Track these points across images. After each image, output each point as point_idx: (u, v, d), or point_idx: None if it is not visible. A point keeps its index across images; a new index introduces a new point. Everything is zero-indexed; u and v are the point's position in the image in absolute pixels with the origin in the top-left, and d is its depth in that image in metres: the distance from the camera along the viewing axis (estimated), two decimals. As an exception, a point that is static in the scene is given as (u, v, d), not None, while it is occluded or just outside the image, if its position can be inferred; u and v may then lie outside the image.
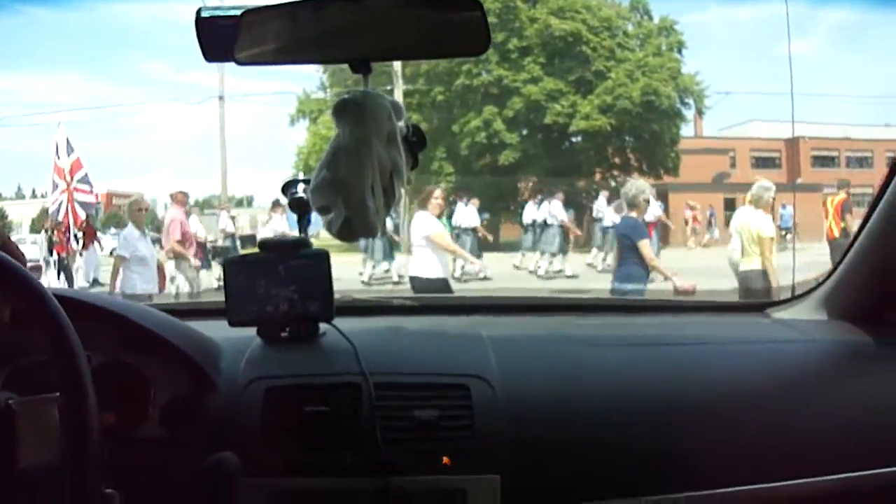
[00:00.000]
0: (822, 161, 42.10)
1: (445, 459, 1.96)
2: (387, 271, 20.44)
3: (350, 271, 18.50)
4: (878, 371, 2.33)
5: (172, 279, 12.36)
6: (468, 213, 21.01)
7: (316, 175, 2.00)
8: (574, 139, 36.88)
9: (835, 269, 2.65)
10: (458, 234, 21.06)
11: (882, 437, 2.12)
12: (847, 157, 42.53)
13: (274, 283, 2.23)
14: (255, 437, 2.01)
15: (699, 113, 39.12)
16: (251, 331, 2.29)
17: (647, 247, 8.87)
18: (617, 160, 37.81)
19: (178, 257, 11.74)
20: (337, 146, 1.96)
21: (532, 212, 23.45)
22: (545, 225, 22.32)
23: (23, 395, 1.49)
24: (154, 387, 2.05)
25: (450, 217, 23.48)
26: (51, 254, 16.64)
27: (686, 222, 31.20)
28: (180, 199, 12.65)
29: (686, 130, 38.86)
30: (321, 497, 1.98)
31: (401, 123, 2.03)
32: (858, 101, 60.74)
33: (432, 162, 32.25)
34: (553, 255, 21.78)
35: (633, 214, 9.28)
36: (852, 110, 67.87)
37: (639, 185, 9.55)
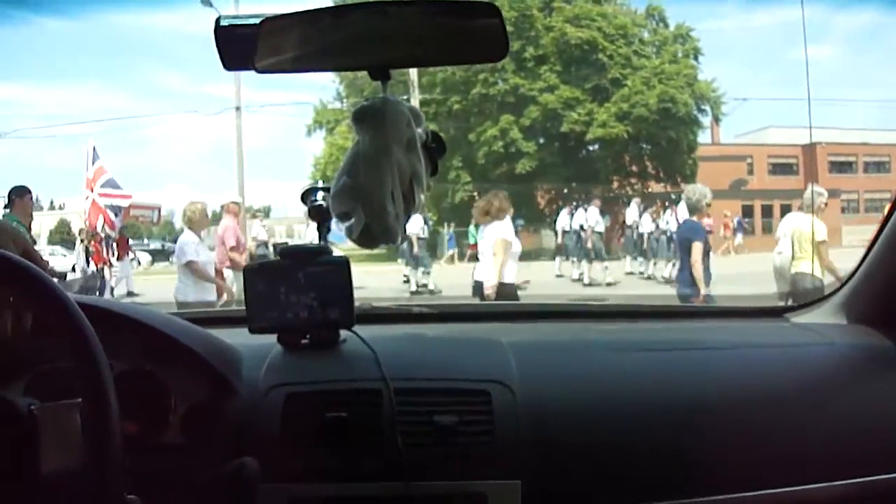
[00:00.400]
0: (840, 167, 42.00)
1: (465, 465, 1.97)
2: (405, 281, 20.56)
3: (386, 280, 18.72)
4: None
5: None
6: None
7: (336, 182, 2.01)
8: (591, 147, 36.93)
9: (853, 273, 2.65)
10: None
11: None
12: (865, 163, 42.42)
13: (294, 290, 2.24)
14: (276, 442, 2.01)
15: (716, 120, 39.10)
16: (272, 338, 2.30)
17: (697, 249, 9.02)
18: (634, 168, 37.86)
19: (233, 265, 11.66)
20: (357, 153, 1.96)
21: (565, 219, 23.52)
22: (582, 230, 22.46)
23: (45, 401, 1.49)
24: (175, 394, 2.06)
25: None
26: (88, 264, 16.70)
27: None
28: (233, 209, 12.58)
29: (703, 137, 38.88)
30: (342, 502, 1.98)
31: (420, 130, 2.03)
32: (876, 106, 60.39)
33: (449, 171, 32.31)
34: (591, 261, 21.92)
35: (695, 218, 9.59)
36: (869, 115, 67.80)
37: (700, 189, 9.77)
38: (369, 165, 1.93)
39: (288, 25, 1.88)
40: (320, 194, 2.35)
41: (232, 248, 11.59)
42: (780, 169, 42.73)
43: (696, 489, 2.01)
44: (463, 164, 34.14)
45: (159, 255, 38.00)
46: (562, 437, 2.05)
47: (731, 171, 38.97)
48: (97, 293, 13.58)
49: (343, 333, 2.30)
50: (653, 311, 3.30)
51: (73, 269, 18.40)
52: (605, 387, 2.18)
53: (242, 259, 11.69)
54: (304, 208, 2.40)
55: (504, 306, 3.54)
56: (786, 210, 35.66)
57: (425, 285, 20.41)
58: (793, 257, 9.47)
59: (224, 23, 1.95)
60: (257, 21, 1.86)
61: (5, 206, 10.31)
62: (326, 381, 2.16)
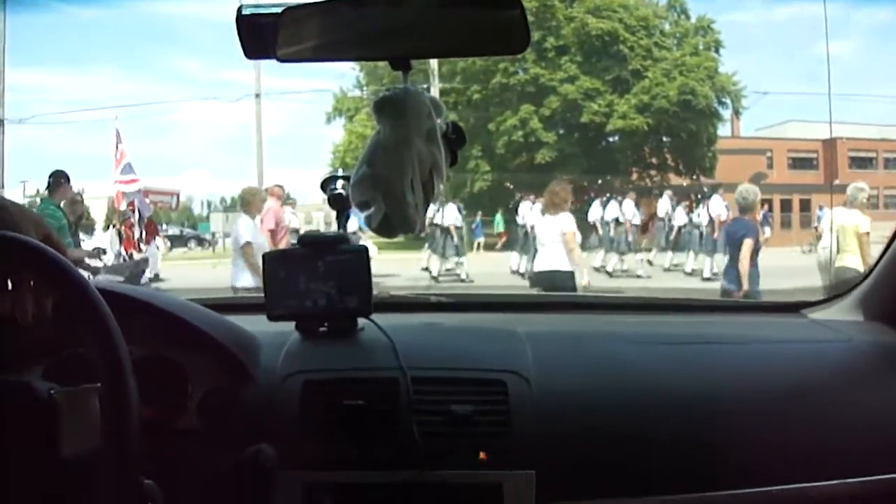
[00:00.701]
0: (860, 162, 41.68)
1: (481, 454, 1.97)
2: (447, 270, 20.67)
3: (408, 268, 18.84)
4: None
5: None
6: (535, 212, 21.13)
7: (356, 171, 2.01)
8: (611, 138, 36.94)
9: (871, 270, 2.65)
10: (524, 232, 21.37)
11: None
12: (885, 159, 42.17)
13: (313, 278, 2.24)
14: (293, 430, 2.02)
15: (736, 113, 39.07)
16: (290, 325, 2.31)
17: (748, 246, 9.32)
18: (654, 160, 37.86)
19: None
20: (377, 142, 1.96)
21: (597, 211, 23.53)
22: (617, 223, 22.52)
23: (64, 386, 1.50)
24: (193, 380, 2.07)
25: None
26: (120, 246, 16.83)
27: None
28: (276, 192, 12.66)
29: (723, 130, 38.81)
30: (357, 490, 1.99)
31: (440, 121, 2.03)
32: (896, 102, 60.00)
33: (468, 160, 32.32)
34: (623, 253, 22.01)
35: (747, 217, 9.88)
36: (890, 111, 67.33)
37: (754, 189, 10.11)
38: (389, 155, 1.94)
39: (309, 15, 1.88)
40: (340, 183, 2.36)
41: (270, 231, 11.57)
42: (799, 163, 42.58)
43: (710, 483, 2.01)
44: (482, 154, 34.19)
45: (177, 241, 38.15)
46: (577, 428, 2.05)
47: (751, 165, 38.77)
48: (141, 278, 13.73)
49: (361, 322, 2.31)
50: (670, 304, 3.30)
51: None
52: (621, 379, 2.18)
53: (283, 243, 11.66)
54: (323, 196, 2.41)
55: (521, 297, 3.55)
56: (805, 205, 35.68)
57: (458, 274, 20.55)
58: (837, 251, 9.69)
59: (246, 11, 1.95)
60: (279, 10, 1.87)
61: (46, 189, 10.49)
62: (344, 368, 2.16)
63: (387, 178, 1.94)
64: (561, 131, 35.78)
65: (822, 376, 2.29)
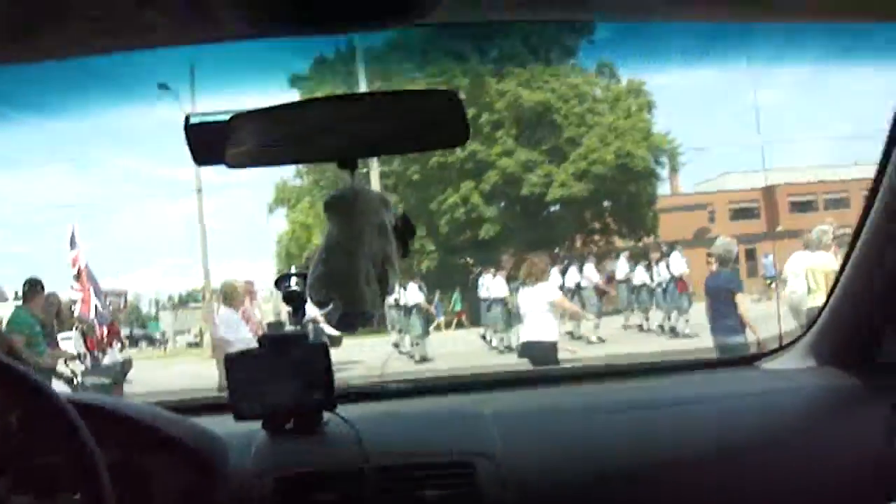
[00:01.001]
0: (801, 206, 42.01)
1: None
2: (401, 352, 20.60)
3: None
4: (867, 413, 2.37)
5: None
6: (497, 285, 21.25)
7: (312, 271, 2.04)
8: (552, 208, 36.94)
9: (819, 314, 2.70)
10: (489, 305, 21.37)
11: (876, 476, 2.16)
12: (825, 200, 42.56)
13: (275, 375, 2.26)
14: None
15: (674, 171, 39.28)
16: (256, 424, 2.32)
17: (742, 300, 9.68)
18: (596, 225, 37.88)
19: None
20: (330, 242, 2.00)
21: (556, 278, 23.47)
22: (579, 288, 22.52)
23: (33, 495, 1.51)
24: (165, 483, 2.08)
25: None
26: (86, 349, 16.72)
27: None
28: (247, 288, 12.70)
29: (663, 189, 39.02)
30: None
31: (389, 215, 2.07)
32: (829, 143, 60.95)
33: (413, 241, 32.26)
34: (598, 317, 21.87)
35: (726, 269, 10.14)
36: (823, 153, 68.30)
37: (732, 241, 10.49)
38: (343, 254, 1.97)
39: (255, 121, 1.92)
40: (294, 280, 2.39)
41: None
42: (741, 214, 42.84)
43: None
44: (427, 233, 34.12)
45: (128, 341, 37.70)
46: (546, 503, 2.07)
47: (694, 221, 39.06)
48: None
49: (326, 415, 2.32)
50: (629, 369, 3.33)
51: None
52: (586, 450, 2.21)
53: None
54: (271, 288, 2.45)
55: (481, 376, 3.56)
56: (750, 254, 35.83)
57: (412, 355, 20.45)
58: (808, 292, 10.08)
59: (194, 121, 1.99)
60: (226, 118, 1.91)
61: (22, 297, 10.56)
62: (312, 464, 2.18)
63: (342, 277, 1.98)
64: (502, 205, 35.79)
65: (777, 425, 2.34)
